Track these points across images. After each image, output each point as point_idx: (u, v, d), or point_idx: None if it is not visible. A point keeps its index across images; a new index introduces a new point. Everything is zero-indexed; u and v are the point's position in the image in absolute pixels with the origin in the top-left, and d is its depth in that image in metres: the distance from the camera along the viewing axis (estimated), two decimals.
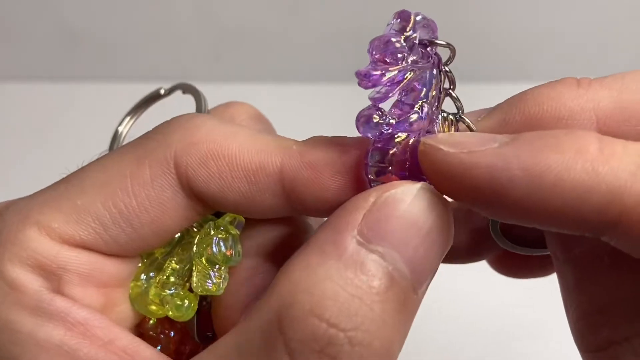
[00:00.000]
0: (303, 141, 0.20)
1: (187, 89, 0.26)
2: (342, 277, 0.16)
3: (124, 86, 0.64)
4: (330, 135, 0.20)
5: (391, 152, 0.19)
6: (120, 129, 0.27)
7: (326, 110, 0.62)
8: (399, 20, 0.19)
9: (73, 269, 0.20)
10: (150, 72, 0.66)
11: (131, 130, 0.27)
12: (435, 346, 0.45)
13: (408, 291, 0.17)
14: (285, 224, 0.22)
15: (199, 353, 0.18)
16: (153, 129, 0.21)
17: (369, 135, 0.19)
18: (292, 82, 0.65)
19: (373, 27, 0.72)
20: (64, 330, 0.18)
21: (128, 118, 0.27)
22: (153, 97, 0.27)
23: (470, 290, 0.47)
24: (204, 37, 0.65)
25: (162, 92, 0.27)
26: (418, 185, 0.18)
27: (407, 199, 0.17)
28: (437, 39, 0.20)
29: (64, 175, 0.21)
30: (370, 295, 0.16)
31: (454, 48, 0.20)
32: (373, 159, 0.19)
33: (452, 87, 0.21)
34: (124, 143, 0.27)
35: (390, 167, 0.19)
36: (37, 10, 0.63)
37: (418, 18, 0.19)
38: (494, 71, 0.66)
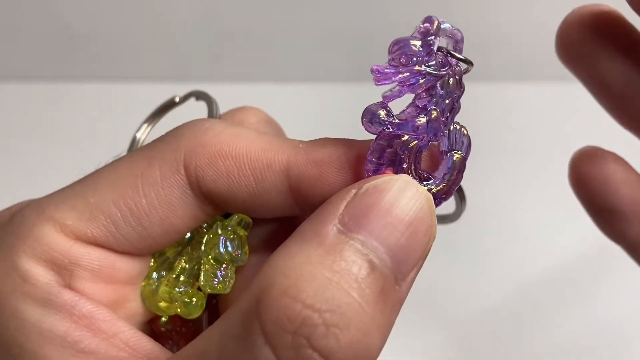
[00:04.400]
0: (310, 140, 0.21)
1: (199, 95, 0.28)
2: (320, 262, 0.16)
3: (124, 86, 0.64)
4: (333, 135, 0.21)
5: (390, 150, 0.19)
6: (137, 135, 0.28)
7: (326, 110, 0.62)
8: (423, 24, 0.19)
9: (84, 264, 0.20)
10: (150, 73, 0.66)
11: (148, 137, 0.28)
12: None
13: (389, 280, 0.17)
14: (292, 221, 0.22)
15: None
16: (165, 133, 0.22)
17: (371, 130, 0.19)
18: (292, 82, 0.65)
19: (373, 27, 0.72)
20: (69, 323, 0.19)
21: (145, 125, 0.29)
22: (168, 105, 0.29)
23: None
24: (203, 37, 0.65)
25: (176, 100, 0.29)
26: (401, 176, 0.18)
27: (389, 189, 0.18)
28: (460, 50, 0.20)
29: (81, 176, 0.22)
30: (348, 280, 0.16)
31: (472, 63, 0.20)
32: (373, 156, 0.19)
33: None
34: None
35: (387, 166, 0.19)
36: (37, 10, 0.63)
37: (444, 26, 0.19)
38: (494, 71, 0.66)
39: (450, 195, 0.21)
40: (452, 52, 0.19)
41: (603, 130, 0.62)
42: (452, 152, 0.21)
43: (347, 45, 0.65)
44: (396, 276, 0.17)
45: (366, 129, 0.19)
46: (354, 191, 0.18)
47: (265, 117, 0.26)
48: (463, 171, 0.21)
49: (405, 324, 0.47)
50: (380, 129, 0.19)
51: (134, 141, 0.28)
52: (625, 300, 0.48)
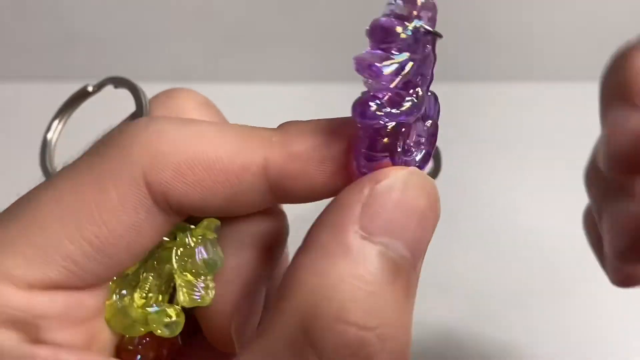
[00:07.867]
0: (281, 131, 0.20)
1: (119, 82, 0.24)
2: (354, 275, 0.16)
3: None
4: (307, 120, 0.20)
5: (383, 139, 0.18)
6: (49, 136, 0.24)
7: (326, 110, 0.62)
8: (404, 4, 0.18)
9: (49, 314, 0.18)
10: (149, 72, 0.66)
11: (61, 136, 0.25)
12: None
13: (411, 272, 0.17)
14: (259, 214, 0.21)
15: None
16: (103, 140, 0.19)
17: (364, 124, 0.18)
18: (292, 82, 0.65)
19: None
20: None
21: (56, 122, 0.24)
22: (80, 96, 0.24)
23: None
24: (204, 37, 0.65)
25: (89, 89, 0.24)
26: (407, 170, 0.18)
27: (401, 186, 0.17)
28: (434, 21, 0.19)
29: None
30: (382, 288, 0.16)
31: (441, 35, 0.19)
32: (365, 146, 0.18)
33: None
34: (55, 152, 0.24)
35: (381, 154, 0.19)
36: (37, 10, 0.63)
37: (421, 1, 0.18)
38: (494, 71, 0.66)
39: (430, 158, 0.20)
40: (427, 28, 0.18)
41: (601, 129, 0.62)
42: (427, 119, 0.20)
43: (347, 45, 0.65)
44: (415, 265, 0.17)
45: (358, 123, 0.18)
46: (366, 191, 0.17)
47: (202, 99, 0.23)
48: (437, 134, 0.20)
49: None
50: (376, 121, 0.18)
51: (44, 143, 0.24)
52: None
